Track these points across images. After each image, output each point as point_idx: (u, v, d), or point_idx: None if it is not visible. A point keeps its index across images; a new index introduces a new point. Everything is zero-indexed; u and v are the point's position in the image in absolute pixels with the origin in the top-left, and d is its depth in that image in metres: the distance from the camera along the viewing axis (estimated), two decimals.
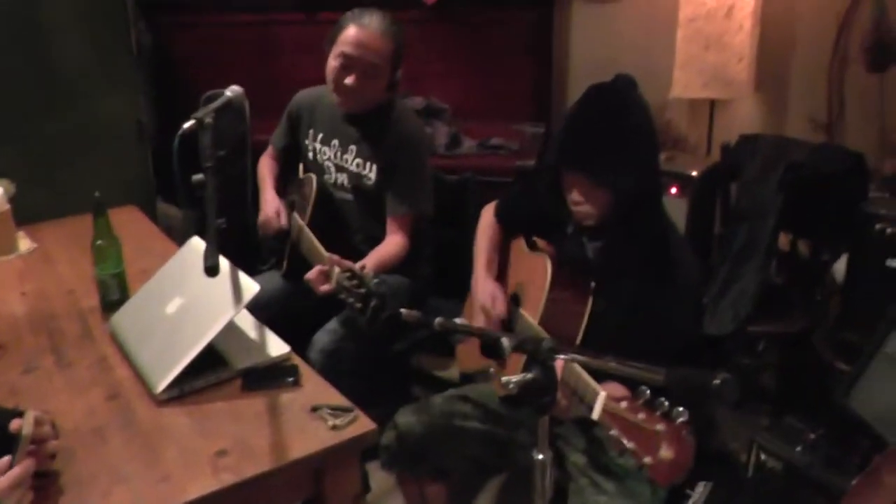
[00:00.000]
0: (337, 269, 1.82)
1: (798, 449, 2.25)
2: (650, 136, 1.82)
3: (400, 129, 2.44)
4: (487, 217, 2.25)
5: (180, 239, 2.62)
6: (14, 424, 1.35)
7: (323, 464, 1.52)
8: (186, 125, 1.94)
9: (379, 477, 2.53)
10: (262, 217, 2.54)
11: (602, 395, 1.40)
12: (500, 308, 2.03)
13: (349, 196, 2.54)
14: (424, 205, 2.47)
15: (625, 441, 1.22)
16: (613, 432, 1.26)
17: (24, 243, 2.64)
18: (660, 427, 1.17)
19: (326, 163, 2.56)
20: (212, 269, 1.55)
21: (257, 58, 3.94)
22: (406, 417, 2.04)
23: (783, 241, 2.93)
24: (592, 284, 1.85)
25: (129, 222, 2.71)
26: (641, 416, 1.21)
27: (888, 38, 2.96)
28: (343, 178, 2.54)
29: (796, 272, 2.97)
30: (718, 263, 2.89)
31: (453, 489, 2.08)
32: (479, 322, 2.07)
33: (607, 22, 3.75)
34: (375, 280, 1.66)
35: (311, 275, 2.15)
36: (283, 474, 1.46)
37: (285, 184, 2.72)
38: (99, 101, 3.51)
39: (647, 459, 1.18)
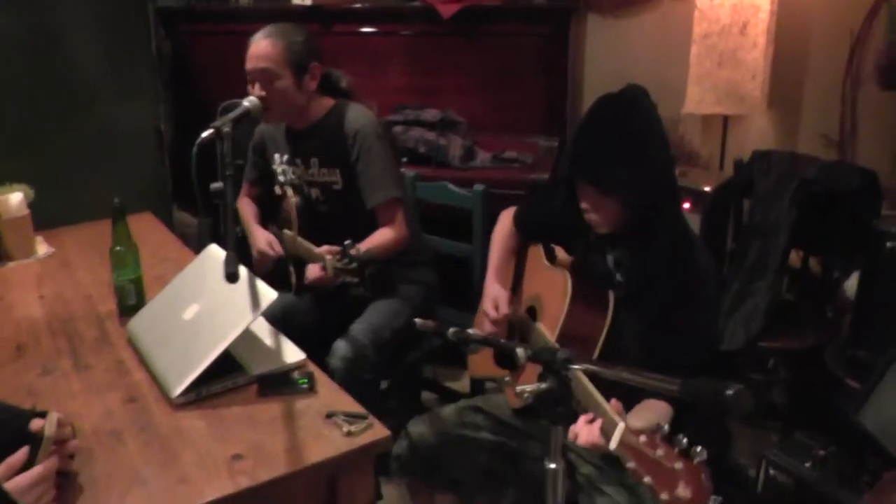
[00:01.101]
0: (329, 258, 1.84)
1: (808, 465, 2.25)
2: (661, 143, 1.81)
3: (348, 126, 2.47)
4: (506, 222, 2.26)
5: (195, 246, 2.65)
6: (34, 424, 1.37)
7: (337, 469, 1.54)
8: (205, 134, 1.96)
9: (389, 487, 2.55)
10: (255, 252, 2.55)
11: (621, 426, 1.39)
12: (502, 311, 2.04)
13: (325, 207, 2.58)
14: (396, 188, 2.48)
15: (642, 475, 1.23)
16: (631, 464, 1.26)
17: (42, 248, 2.68)
18: (678, 465, 1.18)
19: (297, 181, 2.60)
20: (232, 276, 1.57)
21: None
22: (418, 427, 2.06)
23: (795, 257, 2.93)
24: (612, 297, 1.86)
25: (145, 229, 2.75)
26: (660, 451, 1.22)
27: None
28: (315, 192, 2.58)
29: (808, 289, 2.97)
30: (730, 279, 2.89)
31: (464, 499, 2.08)
32: (486, 327, 2.08)
33: (622, 37, 3.78)
34: (362, 250, 1.67)
35: (310, 275, 2.19)
36: (298, 479, 1.47)
37: (270, 213, 2.74)
38: (118, 109, 3.57)
39: (665, 496, 1.18)
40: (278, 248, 2.53)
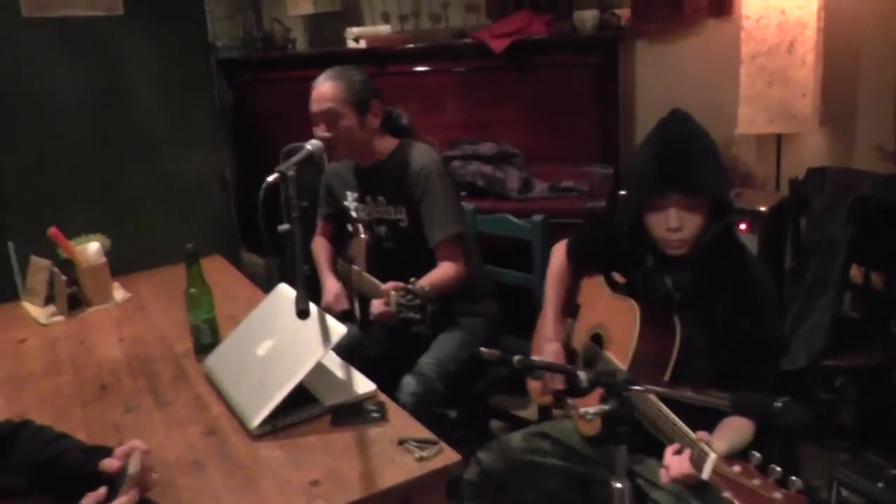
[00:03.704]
0: (393, 293, 1.90)
1: (880, 485, 2.23)
2: (717, 147, 1.91)
3: (412, 164, 2.54)
4: (559, 258, 2.29)
5: (264, 286, 2.75)
6: (105, 464, 1.47)
7: (410, 493, 1.58)
8: (270, 178, 2.03)
9: None
10: (323, 304, 2.64)
11: (713, 456, 1.41)
12: (558, 383, 2.08)
13: (392, 244, 2.65)
14: (457, 225, 2.55)
15: None
16: (727, 494, 1.28)
17: (119, 293, 2.80)
18: (777, 495, 1.19)
19: (366, 219, 2.68)
20: (303, 313, 1.64)
21: None
22: (487, 454, 2.10)
23: (857, 273, 2.91)
24: (677, 319, 1.90)
25: (215, 271, 2.84)
26: (756, 481, 1.23)
27: None
28: (383, 229, 2.66)
29: (872, 305, 2.94)
30: (791, 298, 2.88)
31: None
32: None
33: (671, 61, 3.81)
34: (426, 288, 1.73)
35: (375, 310, 2.26)
36: (373, 503, 1.52)
37: (341, 248, 2.83)
38: (184, 158, 3.71)
39: None
40: (344, 304, 2.62)
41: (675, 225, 1.86)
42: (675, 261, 1.93)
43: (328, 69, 2.53)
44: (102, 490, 1.41)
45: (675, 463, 1.56)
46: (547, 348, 2.17)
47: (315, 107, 2.49)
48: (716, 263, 1.88)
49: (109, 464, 1.47)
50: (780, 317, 1.97)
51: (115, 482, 1.45)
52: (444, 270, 2.51)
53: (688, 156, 1.84)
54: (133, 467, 1.44)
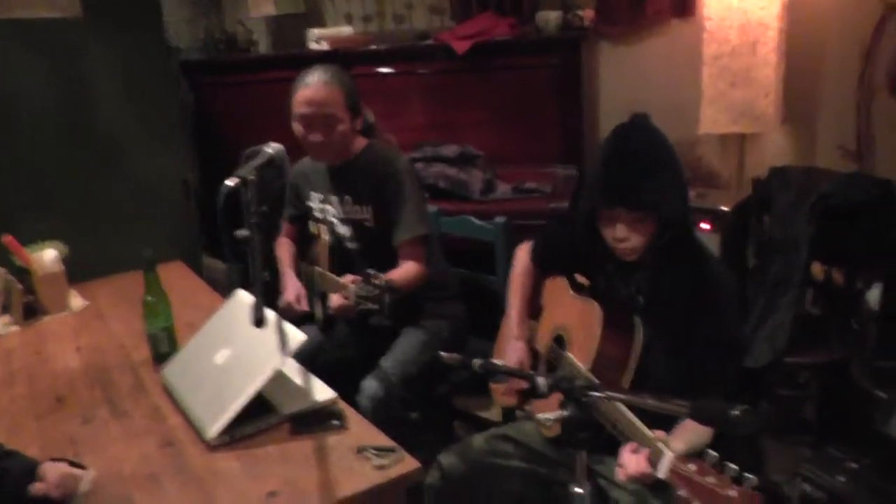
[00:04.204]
0: (351, 286, 1.88)
1: (842, 479, 2.24)
2: (676, 159, 1.88)
3: (379, 164, 2.53)
4: (522, 260, 2.29)
5: (225, 292, 2.71)
6: (34, 488, 1.44)
7: (369, 502, 1.56)
8: (230, 183, 2.00)
9: None
10: (282, 303, 2.60)
11: (669, 454, 1.42)
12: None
13: (355, 244, 2.63)
14: (423, 226, 2.53)
15: (695, 503, 1.24)
16: (682, 493, 1.28)
17: (77, 301, 2.75)
18: (732, 493, 1.19)
19: (331, 219, 2.66)
20: (259, 322, 1.62)
21: None
22: (449, 457, 2.09)
23: (818, 270, 2.93)
24: (638, 321, 1.90)
25: (175, 277, 2.82)
26: (711, 479, 1.24)
27: None
28: (348, 230, 2.63)
29: (832, 302, 2.96)
30: (753, 297, 2.90)
31: None
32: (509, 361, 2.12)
33: (634, 62, 3.82)
34: (383, 278, 1.70)
35: (333, 304, 2.23)
36: None
37: (305, 250, 2.81)
38: (146, 162, 3.65)
39: None
40: (304, 305, 2.58)
41: (620, 236, 1.87)
42: (633, 265, 1.93)
43: (318, 70, 2.46)
44: None
45: (632, 462, 1.56)
46: (511, 347, 2.16)
47: (310, 109, 2.42)
48: (674, 267, 1.88)
49: (38, 488, 1.44)
50: (740, 319, 1.97)
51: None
52: (407, 269, 2.49)
53: (634, 171, 1.82)
54: (84, 486, 1.41)
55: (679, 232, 1.86)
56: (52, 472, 1.47)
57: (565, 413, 1.40)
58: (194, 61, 4.39)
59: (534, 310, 2.26)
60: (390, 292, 1.67)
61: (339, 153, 2.55)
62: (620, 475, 1.59)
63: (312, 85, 2.43)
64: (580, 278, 2.14)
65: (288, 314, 2.57)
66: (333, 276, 2.39)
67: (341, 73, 2.49)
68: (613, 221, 1.87)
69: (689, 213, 1.93)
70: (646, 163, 1.83)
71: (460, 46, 3.72)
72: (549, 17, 3.77)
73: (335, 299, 2.31)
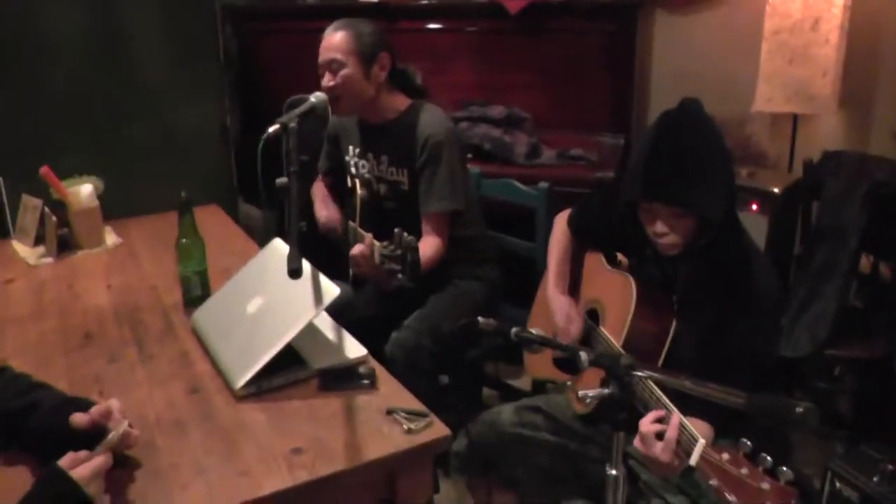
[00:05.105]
0: (376, 242, 1.83)
1: (875, 479, 2.18)
2: (725, 156, 1.80)
3: (422, 129, 2.47)
4: (561, 226, 2.24)
5: (261, 239, 2.68)
6: (75, 418, 1.41)
7: (396, 467, 1.53)
8: (271, 129, 1.98)
9: (447, 482, 2.55)
10: (321, 223, 2.64)
11: (701, 442, 1.37)
12: (575, 330, 2.03)
13: (392, 204, 2.60)
14: (453, 201, 2.47)
15: (727, 494, 1.20)
16: (713, 482, 1.24)
17: (111, 238, 2.74)
18: (765, 485, 1.16)
19: (366, 175, 2.63)
20: (295, 272, 1.58)
21: None
22: (478, 426, 2.06)
23: (865, 262, 2.85)
24: (675, 306, 1.83)
25: (211, 221, 2.79)
26: (745, 470, 1.20)
27: None
28: (383, 188, 2.60)
29: (877, 296, 2.88)
30: (797, 284, 2.82)
31: (523, 498, 2.07)
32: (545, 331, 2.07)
33: (689, 33, 3.71)
34: (409, 238, 1.66)
35: (353, 253, 2.13)
36: (356, 475, 1.48)
37: (342, 204, 2.79)
38: (185, 105, 3.63)
39: None
40: (338, 222, 2.61)
41: (660, 231, 1.80)
42: (674, 256, 1.86)
43: (338, 20, 2.48)
44: (82, 454, 1.35)
45: (659, 448, 1.51)
46: (558, 303, 2.12)
47: (321, 56, 2.44)
48: (715, 267, 1.79)
49: (80, 419, 1.42)
50: (776, 331, 1.89)
51: (92, 439, 1.39)
52: (425, 248, 2.40)
53: (677, 168, 1.74)
54: (115, 434, 1.39)
55: (724, 232, 1.78)
56: (95, 409, 1.45)
57: (606, 391, 1.35)
58: (239, 7, 4.32)
59: (571, 283, 2.21)
60: (413, 251, 1.62)
61: (358, 104, 2.49)
62: (638, 445, 1.54)
63: (326, 35, 2.45)
64: (620, 257, 2.09)
65: (328, 232, 2.61)
66: (363, 232, 2.34)
67: (360, 22, 2.47)
68: (653, 215, 1.80)
69: (734, 215, 1.84)
70: (690, 160, 1.74)
71: (514, 6, 3.62)
72: None
73: (356, 248, 2.22)
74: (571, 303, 2.11)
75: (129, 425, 1.45)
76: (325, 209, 2.71)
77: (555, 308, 2.11)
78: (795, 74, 3.11)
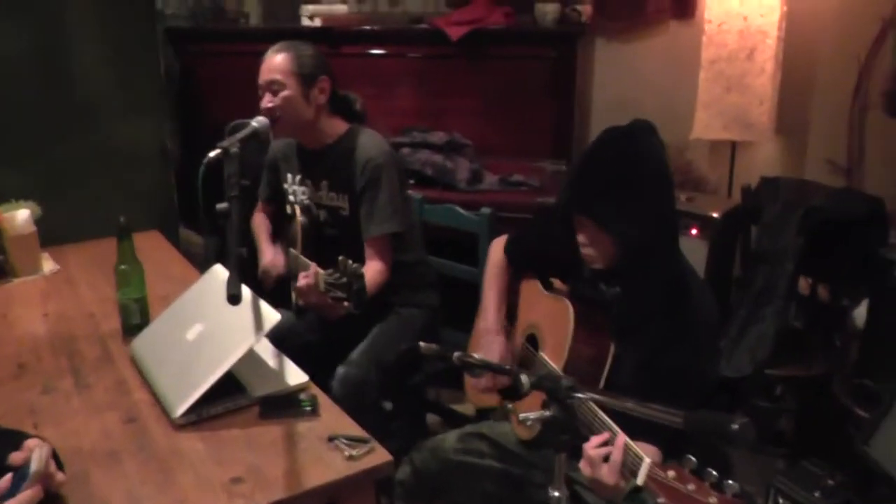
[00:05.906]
0: (320, 271, 1.82)
1: (816, 494, 2.22)
2: (663, 183, 1.79)
3: (361, 153, 2.47)
4: (497, 253, 2.23)
5: (201, 265, 2.64)
6: (14, 457, 1.36)
7: (338, 494, 1.51)
8: (212, 154, 1.96)
9: None
10: (261, 268, 2.58)
11: (647, 461, 1.37)
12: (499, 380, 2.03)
13: (333, 230, 2.58)
14: (395, 223, 2.47)
15: None
16: (661, 500, 1.24)
17: (48, 264, 2.68)
18: (713, 500, 1.16)
19: (306, 201, 2.61)
20: (234, 298, 1.56)
21: None
22: (422, 453, 2.04)
23: (803, 285, 2.91)
24: (613, 330, 1.84)
25: (150, 247, 2.74)
26: (692, 486, 1.20)
27: None
28: (323, 214, 2.58)
29: (816, 317, 2.94)
30: (737, 306, 2.87)
31: None
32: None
33: (630, 61, 3.78)
34: (353, 265, 1.65)
35: (299, 284, 2.12)
36: (297, 503, 1.45)
37: (282, 231, 2.76)
38: (125, 127, 3.55)
39: None
40: (281, 267, 2.54)
41: (581, 241, 1.82)
42: (610, 274, 1.86)
43: (278, 43, 2.47)
44: (6, 479, 1.31)
45: (605, 470, 1.50)
46: (490, 342, 2.11)
47: (261, 77, 2.43)
48: (654, 288, 1.79)
49: (16, 458, 1.37)
50: (714, 353, 1.91)
51: (21, 472, 1.35)
52: (369, 274, 2.33)
53: (599, 183, 1.75)
54: (35, 465, 1.34)
55: (655, 252, 1.77)
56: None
57: (547, 413, 1.35)
58: (181, 28, 4.29)
59: (508, 309, 2.21)
60: (358, 279, 1.61)
61: (297, 127, 2.48)
62: (584, 469, 1.53)
63: (267, 55, 2.45)
64: (557, 283, 2.09)
65: (267, 278, 2.55)
66: (306, 260, 2.32)
67: (301, 45, 2.47)
68: (579, 225, 1.82)
69: (669, 236, 1.84)
70: (617, 180, 1.74)
71: (455, 32, 3.65)
72: (547, 10, 3.72)
73: (301, 278, 2.21)
74: (507, 347, 2.10)
75: (56, 457, 1.40)
76: (269, 251, 2.64)
77: (493, 348, 2.10)
78: (733, 102, 3.19)
